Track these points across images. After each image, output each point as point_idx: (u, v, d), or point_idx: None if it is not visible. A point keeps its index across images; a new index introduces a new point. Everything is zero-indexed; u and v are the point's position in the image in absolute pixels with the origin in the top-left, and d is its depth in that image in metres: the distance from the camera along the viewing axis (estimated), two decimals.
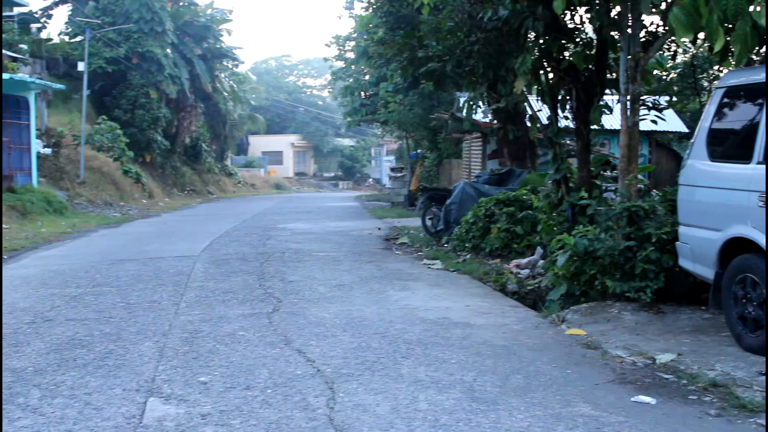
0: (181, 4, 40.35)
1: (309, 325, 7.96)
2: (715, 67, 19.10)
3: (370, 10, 26.52)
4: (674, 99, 15.43)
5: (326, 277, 11.15)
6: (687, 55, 19.20)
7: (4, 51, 23.77)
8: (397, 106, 28.04)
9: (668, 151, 20.43)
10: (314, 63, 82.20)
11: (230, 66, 48.18)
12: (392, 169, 35.44)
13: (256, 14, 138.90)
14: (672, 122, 19.40)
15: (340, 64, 43.67)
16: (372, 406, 5.44)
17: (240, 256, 13.47)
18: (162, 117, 36.54)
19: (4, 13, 27.00)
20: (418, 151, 32.46)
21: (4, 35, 24.79)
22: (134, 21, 34.16)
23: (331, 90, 62.43)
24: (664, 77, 19.28)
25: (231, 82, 48.08)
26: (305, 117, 76.25)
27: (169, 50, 36.57)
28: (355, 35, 39.11)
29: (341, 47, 43.93)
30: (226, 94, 46.56)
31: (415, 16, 17.40)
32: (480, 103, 15.15)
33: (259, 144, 70.30)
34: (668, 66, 18.15)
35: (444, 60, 12.36)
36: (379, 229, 19.24)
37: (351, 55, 40.47)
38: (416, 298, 9.53)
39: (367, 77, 36.08)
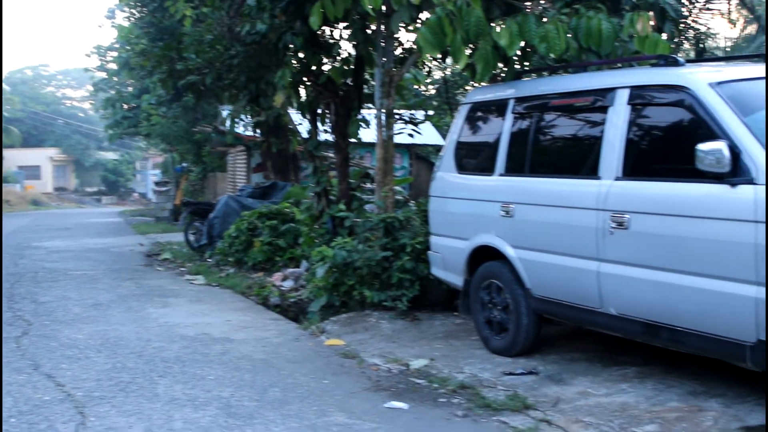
0: None
1: (61, 348, 7.61)
2: (471, 83, 20.04)
3: (132, 20, 25.82)
4: (430, 113, 16.05)
5: (82, 296, 10.70)
6: (445, 72, 20.04)
7: None
8: (160, 119, 27.43)
9: (428, 163, 21.18)
10: (74, 73, 78.78)
11: None
12: (157, 183, 34.63)
13: (8, 21, 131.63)
14: (431, 136, 20.14)
15: (102, 75, 42.10)
16: (124, 429, 5.27)
17: None
18: None
19: None
20: (183, 164, 31.85)
21: None
22: None
23: (92, 102, 60.05)
24: (423, 92, 20.02)
25: None
26: (65, 129, 72.99)
27: None
28: (117, 45, 37.86)
29: (102, 57, 42.39)
30: None
31: (178, 27, 17.10)
32: (243, 116, 15.11)
33: (15, 158, 66.51)
34: (427, 82, 18.86)
35: (204, 73, 12.22)
36: (142, 245, 18.72)
37: (113, 66, 39.12)
38: (176, 314, 9.35)
39: (129, 89, 35.03)
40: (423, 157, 21.75)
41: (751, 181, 4.80)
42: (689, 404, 5.42)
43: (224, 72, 11.89)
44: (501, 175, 6.92)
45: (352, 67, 10.72)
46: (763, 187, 4.72)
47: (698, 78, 5.43)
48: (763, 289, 4.71)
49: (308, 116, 11.23)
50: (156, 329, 8.46)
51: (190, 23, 12.27)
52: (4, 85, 58.74)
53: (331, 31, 10.57)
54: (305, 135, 11.63)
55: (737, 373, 5.71)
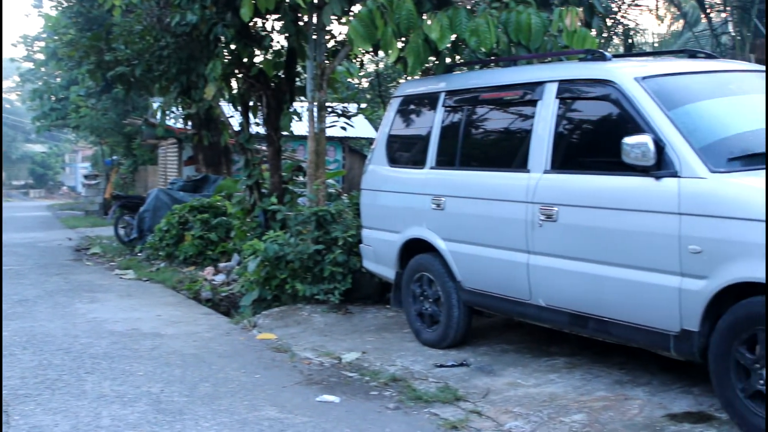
0: None
1: None
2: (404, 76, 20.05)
3: (60, 10, 25.33)
4: (363, 106, 16.06)
5: (7, 292, 10.41)
6: (378, 65, 20.05)
7: None
8: (90, 110, 26.97)
9: (361, 156, 21.21)
10: None
11: None
12: (86, 177, 34.04)
13: None
14: (364, 129, 20.18)
15: (29, 65, 41.29)
16: (50, 427, 5.17)
17: None
18: None
19: None
20: (114, 157, 31.37)
21: None
22: None
23: (19, 93, 58.86)
24: (356, 85, 20.02)
25: None
26: None
27: None
28: (44, 35, 37.13)
29: (29, 48, 41.56)
30: None
31: (107, 17, 16.80)
32: (174, 108, 14.94)
33: None
34: (360, 75, 18.86)
35: (133, 64, 12.04)
36: (70, 239, 18.38)
37: (40, 56, 38.35)
38: (105, 309, 9.20)
39: (58, 80, 34.37)
40: (356, 150, 21.78)
41: (675, 174, 4.90)
42: (616, 393, 5.52)
43: (154, 63, 11.73)
44: (432, 168, 6.94)
45: (284, 59, 10.66)
46: (686, 180, 4.82)
47: (624, 72, 5.51)
48: (687, 280, 4.82)
49: (240, 109, 11.15)
50: (84, 325, 8.32)
51: (119, 13, 12.05)
52: None
53: (263, 23, 10.51)
54: (237, 128, 11.54)
55: (662, 363, 5.83)
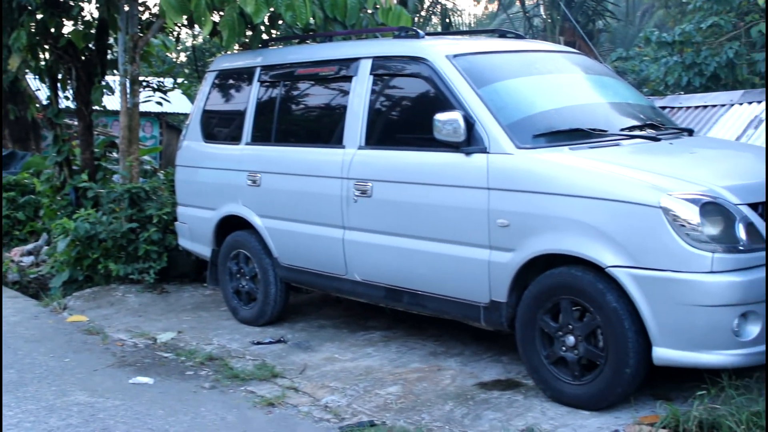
0: None
1: None
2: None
3: None
4: (181, 81, 15.67)
5: None
6: (195, 39, 19.62)
7: None
8: None
9: (179, 132, 20.75)
10: None
11: None
12: None
13: None
14: (182, 104, 19.71)
15: None
16: None
17: None
18: None
19: None
20: None
21: None
22: None
23: None
24: (173, 60, 19.53)
25: None
26: None
27: None
28: None
29: None
30: None
31: None
32: None
33: None
34: (178, 49, 18.41)
35: None
36: None
37: None
38: None
39: None
40: (174, 125, 21.31)
41: (484, 150, 5.03)
42: (430, 364, 5.66)
43: None
44: (248, 144, 6.85)
45: (95, 30, 10.22)
46: (494, 156, 4.96)
47: (436, 50, 5.61)
48: (495, 253, 4.98)
49: (48, 81, 10.62)
50: None
51: None
52: None
53: None
54: (45, 101, 11.01)
55: (474, 333, 6.02)
